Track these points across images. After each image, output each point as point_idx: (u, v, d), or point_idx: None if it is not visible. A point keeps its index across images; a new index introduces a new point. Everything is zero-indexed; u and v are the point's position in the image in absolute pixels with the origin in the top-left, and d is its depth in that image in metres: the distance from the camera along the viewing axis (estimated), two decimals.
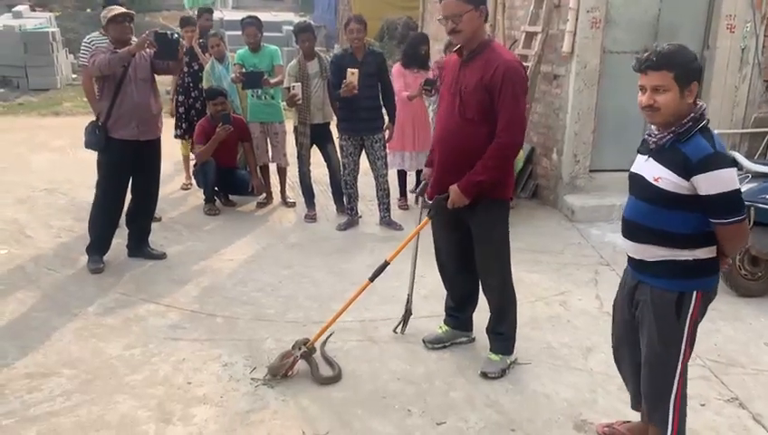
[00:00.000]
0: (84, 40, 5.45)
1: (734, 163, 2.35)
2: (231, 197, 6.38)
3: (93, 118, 4.83)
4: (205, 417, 3.12)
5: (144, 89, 4.68)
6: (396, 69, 6.12)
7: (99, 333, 3.89)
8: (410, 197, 6.33)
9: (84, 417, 3.11)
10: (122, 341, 3.80)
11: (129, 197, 4.95)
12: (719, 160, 2.30)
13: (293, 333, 3.86)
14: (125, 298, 4.35)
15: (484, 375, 3.44)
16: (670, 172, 2.37)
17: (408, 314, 3.85)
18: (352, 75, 5.14)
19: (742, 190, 4.18)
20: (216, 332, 3.94)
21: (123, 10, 4.63)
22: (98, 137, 4.66)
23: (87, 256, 4.79)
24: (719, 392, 3.37)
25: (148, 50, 4.63)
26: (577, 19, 5.78)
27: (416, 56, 5.91)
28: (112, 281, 4.62)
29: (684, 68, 2.33)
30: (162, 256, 5.01)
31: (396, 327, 3.86)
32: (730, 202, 2.33)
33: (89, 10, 18.61)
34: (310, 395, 3.28)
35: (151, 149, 4.83)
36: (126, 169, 4.76)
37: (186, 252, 5.15)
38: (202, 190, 6.17)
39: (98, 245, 4.80)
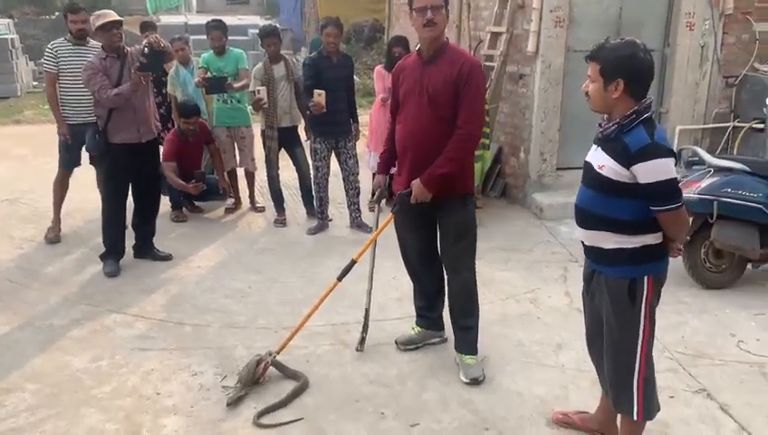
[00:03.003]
0: (48, 46, 5.36)
1: (671, 153, 2.41)
2: (198, 203, 6.30)
3: (56, 126, 5.06)
4: (175, 428, 3.07)
5: (142, 91, 4.65)
6: (377, 71, 6.15)
7: (64, 346, 3.80)
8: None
9: (50, 432, 3.04)
10: (89, 353, 3.72)
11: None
12: (656, 151, 2.38)
13: (264, 339, 3.82)
14: (91, 309, 4.26)
15: (476, 381, 3.39)
16: (612, 161, 2.47)
17: (365, 330, 3.72)
18: (319, 96, 5.12)
19: (704, 185, 4.33)
20: (185, 341, 3.87)
21: (111, 18, 4.56)
22: (98, 142, 4.68)
23: (102, 262, 4.85)
24: (687, 384, 3.42)
25: (144, 47, 4.57)
26: (541, 19, 5.84)
27: (390, 58, 5.92)
28: (78, 292, 4.53)
29: (608, 63, 2.44)
30: (169, 258, 5.09)
31: (357, 346, 3.74)
32: (666, 190, 2.40)
33: (50, 16, 18.26)
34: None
35: (151, 149, 4.90)
36: (127, 172, 4.79)
37: (153, 260, 5.06)
38: (168, 198, 6.07)
39: (112, 250, 4.86)
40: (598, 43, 2.50)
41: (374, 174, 6.07)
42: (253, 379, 3.32)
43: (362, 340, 3.74)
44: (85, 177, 5.98)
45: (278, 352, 3.46)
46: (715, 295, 4.44)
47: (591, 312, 2.80)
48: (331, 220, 5.90)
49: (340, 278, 3.51)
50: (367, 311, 3.74)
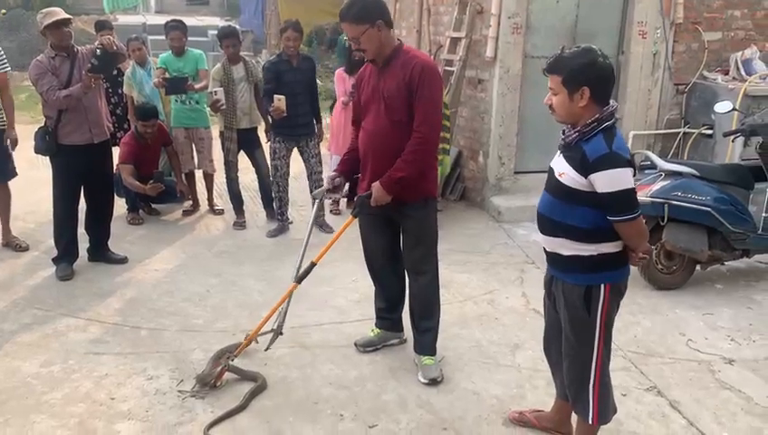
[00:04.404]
0: None
1: (629, 163, 2.40)
2: (155, 205, 6.20)
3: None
4: (130, 433, 3.02)
5: (93, 90, 4.53)
6: (338, 74, 6.15)
7: (13, 351, 3.70)
8: (342, 202, 6.33)
9: None
10: (40, 358, 3.63)
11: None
12: (613, 160, 2.37)
13: (222, 342, 3.77)
14: (43, 313, 4.15)
15: (434, 381, 3.42)
16: (571, 169, 2.47)
17: (278, 330, 3.48)
18: (279, 101, 5.12)
19: (655, 188, 4.44)
20: (140, 345, 3.81)
21: (61, 17, 4.42)
22: (48, 143, 4.56)
23: (54, 266, 4.75)
24: (639, 382, 3.51)
25: (97, 48, 4.46)
26: (499, 25, 5.92)
27: (350, 62, 5.94)
28: (28, 296, 4.41)
29: (569, 73, 2.42)
30: (124, 261, 4.99)
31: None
32: (622, 200, 2.40)
33: (2, 12, 17.71)
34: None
35: (104, 150, 4.79)
36: (79, 174, 4.68)
37: (108, 264, 4.95)
38: (124, 200, 5.95)
39: (65, 253, 4.75)
40: (554, 55, 2.48)
41: None
42: (209, 381, 3.29)
43: (273, 340, 3.49)
44: (36, 178, 5.85)
45: (235, 356, 3.43)
46: (666, 296, 4.57)
47: (550, 316, 2.84)
48: (291, 223, 5.87)
49: (298, 281, 3.50)
50: (283, 312, 3.48)
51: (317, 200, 3.71)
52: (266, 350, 3.52)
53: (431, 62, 3.36)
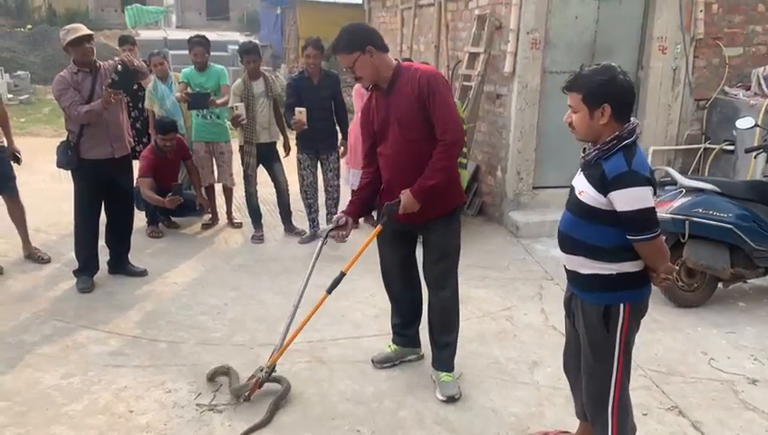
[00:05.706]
0: None
1: (648, 182, 2.37)
2: (175, 218, 6.25)
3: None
4: None
5: (114, 105, 4.59)
6: (356, 89, 6.20)
7: (34, 363, 3.73)
8: (360, 219, 6.32)
9: None
10: (60, 370, 3.66)
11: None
12: (632, 179, 2.35)
13: (239, 356, 3.79)
14: (63, 325, 4.19)
15: (452, 398, 3.39)
16: (591, 187, 2.46)
17: (267, 375, 3.37)
18: (300, 114, 5.25)
19: (676, 205, 4.39)
20: (159, 357, 3.83)
21: (82, 33, 4.48)
22: (69, 157, 4.63)
23: (75, 278, 4.81)
24: (660, 402, 3.46)
25: (117, 64, 4.52)
26: (518, 40, 5.93)
27: None
28: (49, 308, 4.45)
29: (590, 91, 2.40)
30: (144, 273, 5.04)
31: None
32: (641, 219, 2.37)
33: (23, 29, 18.03)
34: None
35: (124, 165, 4.85)
36: (100, 188, 4.74)
37: (128, 276, 5.00)
38: (144, 213, 6.01)
39: (85, 266, 4.81)
40: (573, 74, 2.48)
41: (353, 190, 6.14)
42: (244, 393, 3.31)
43: (260, 384, 3.36)
44: (59, 191, 5.93)
45: (269, 367, 3.37)
46: (687, 314, 4.51)
47: (570, 334, 2.81)
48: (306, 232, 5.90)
49: (329, 291, 3.45)
50: (271, 367, 3.38)
51: (321, 239, 3.69)
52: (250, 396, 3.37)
53: (434, 70, 3.38)
